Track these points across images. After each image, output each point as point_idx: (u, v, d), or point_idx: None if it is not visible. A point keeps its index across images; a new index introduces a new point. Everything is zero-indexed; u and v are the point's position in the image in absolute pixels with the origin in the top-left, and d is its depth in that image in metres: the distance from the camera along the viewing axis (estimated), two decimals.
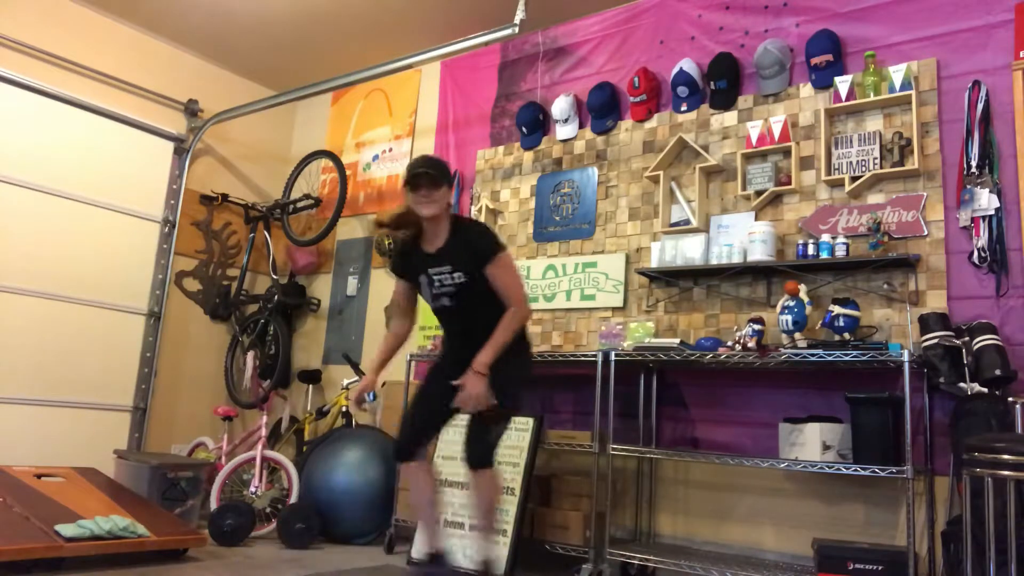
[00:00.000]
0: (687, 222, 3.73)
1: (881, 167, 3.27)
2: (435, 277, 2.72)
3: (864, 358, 2.84)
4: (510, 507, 3.41)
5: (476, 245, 2.68)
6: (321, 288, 5.45)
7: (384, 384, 4.78)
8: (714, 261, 3.54)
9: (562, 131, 4.34)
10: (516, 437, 3.58)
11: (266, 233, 5.49)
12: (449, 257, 2.70)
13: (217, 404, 5.31)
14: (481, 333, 2.66)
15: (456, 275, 2.68)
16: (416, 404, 2.82)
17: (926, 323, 2.93)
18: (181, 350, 5.20)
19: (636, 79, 3.99)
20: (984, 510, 2.23)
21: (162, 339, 5.06)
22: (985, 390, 2.75)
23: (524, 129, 4.49)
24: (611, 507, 3.40)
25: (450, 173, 2.78)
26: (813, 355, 2.95)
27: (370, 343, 5.03)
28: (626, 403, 3.76)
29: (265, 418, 4.44)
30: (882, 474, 2.73)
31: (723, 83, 3.76)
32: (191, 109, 5.32)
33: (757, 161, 3.62)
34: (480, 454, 2.64)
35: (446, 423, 2.86)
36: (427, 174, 2.66)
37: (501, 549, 3.30)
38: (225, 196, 5.41)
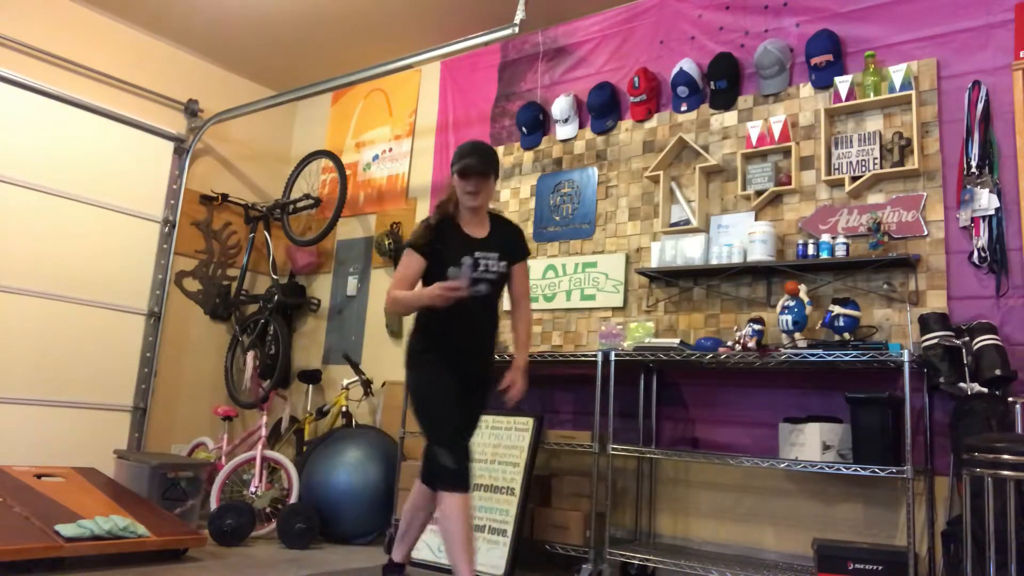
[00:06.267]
0: (687, 222, 3.73)
1: (881, 167, 3.27)
2: (481, 261, 2.69)
3: (864, 358, 2.84)
4: (510, 507, 3.42)
5: (519, 242, 2.84)
6: (321, 288, 5.45)
7: (384, 384, 4.78)
8: (714, 261, 3.54)
9: (562, 131, 4.34)
10: (516, 437, 3.58)
11: (266, 233, 5.48)
12: (497, 245, 2.73)
13: (217, 404, 5.31)
14: (490, 328, 2.74)
15: (502, 264, 2.73)
16: (449, 411, 2.56)
17: (926, 323, 2.93)
18: (181, 350, 5.20)
19: (636, 79, 3.99)
20: (984, 510, 2.23)
21: (162, 339, 5.06)
22: (985, 390, 2.75)
23: (524, 129, 4.49)
24: (611, 507, 3.40)
25: (498, 162, 2.76)
26: (813, 355, 2.95)
27: (370, 343, 5.03)
28: (626, 403, 3.76)
29: (265, 418, 4.44)
30: (882, 474, 2.73)
31: (723, 83, 3.76)
32: (191, 109, 5.31)
33: (757, 161, 3.62)
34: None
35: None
36: (475, 167, 2.61)
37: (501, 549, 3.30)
38: (225, 196, 5.41)
